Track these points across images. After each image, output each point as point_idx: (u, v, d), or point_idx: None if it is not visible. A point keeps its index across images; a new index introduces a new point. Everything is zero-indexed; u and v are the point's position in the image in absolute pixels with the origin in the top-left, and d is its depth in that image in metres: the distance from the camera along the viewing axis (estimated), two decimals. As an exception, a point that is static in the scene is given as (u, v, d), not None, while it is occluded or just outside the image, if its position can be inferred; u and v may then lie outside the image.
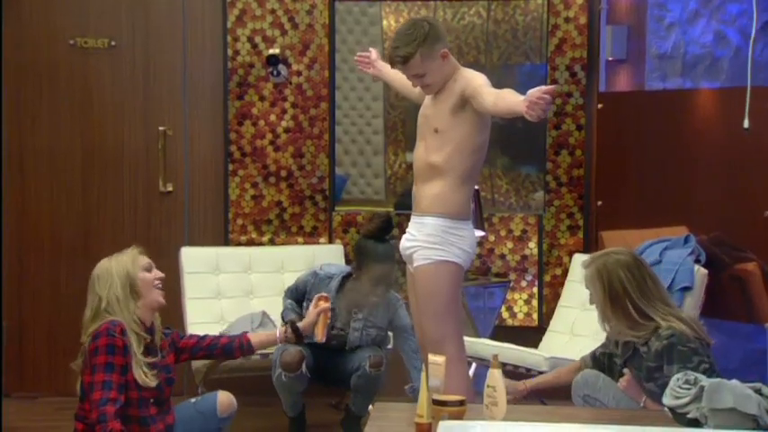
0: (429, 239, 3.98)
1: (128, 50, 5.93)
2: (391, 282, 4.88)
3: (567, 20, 5.84)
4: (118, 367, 3.65)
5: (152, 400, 3.76)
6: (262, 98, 5.94)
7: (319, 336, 4.25)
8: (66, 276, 5.93)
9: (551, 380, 4.20)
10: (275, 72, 5.86)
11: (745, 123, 4.78)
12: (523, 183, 5.98)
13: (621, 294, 3.70)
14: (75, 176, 5.95)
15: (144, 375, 3.70)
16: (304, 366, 4.70)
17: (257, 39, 5.92)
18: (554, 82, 5.82)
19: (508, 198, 5.99)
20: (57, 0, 5.91)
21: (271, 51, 5.88)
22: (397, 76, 4.30)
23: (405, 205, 5.91)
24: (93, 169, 5.94)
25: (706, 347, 3.66)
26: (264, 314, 5.37)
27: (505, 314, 5.92)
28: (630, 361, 3.79)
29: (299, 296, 4.95)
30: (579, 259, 5.54)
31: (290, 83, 5.93)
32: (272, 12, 5.92)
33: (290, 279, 5.22)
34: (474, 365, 5.20)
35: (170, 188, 5.93)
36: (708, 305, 4.93)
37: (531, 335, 5.61)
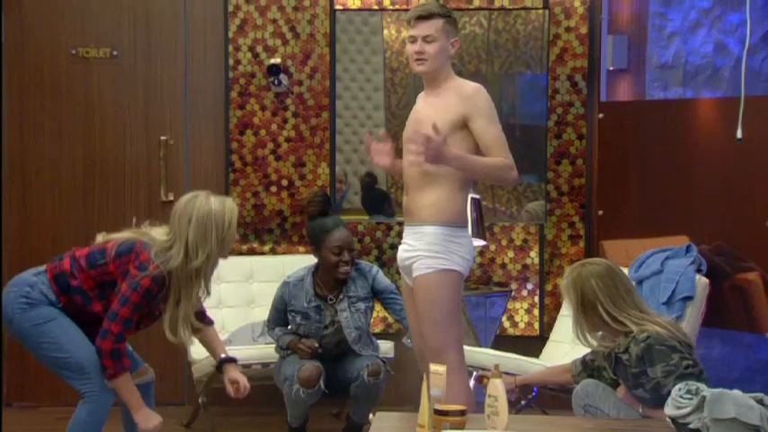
0: (431, 248, 3.96)
1: (129, 60, 5.94)
2: (352, 246, 4.88)
3: (567, 29, 5.85)
4: (143, 309, 3.78)
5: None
6: (263, 107, 5.95)
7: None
8: (67, 286, 5.93)
9: (541, 377, 4.36)
10: (276, 81, 5.86)
11: (738, 134, 4.82)
12: (524, 192, 5.98)
13: (594, 302, 3.78)
14: (76, 185, 5.95)
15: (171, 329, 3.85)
16: (322, 382, 4.71)
17: (258, 48, 5.93)
18: (555, 91, 5.83)
19: (509, 207, 5.99)
20: (59, 10, 5.92)
21: (272, 61, 5.89)
22: None
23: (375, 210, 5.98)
24: (94, 178, 5.94)
25: (686, 347, 3.69)
26: (265, 323, 5.36)
27: (507, 323, 5.91)
28: (617, 371, 3.81)
29: (280, 317, 4.95)
30: (580, 269, 5.55)
31: (292, 92, 5.94)
32: (274, 21, 5.93)
33: (291, 288, 5.21)
34: (475, 375, 5.19)
35: (171, 197, 5.92)
36: (710, 315, 4.92)
37: (532, 344, 5.61)
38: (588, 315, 3.80)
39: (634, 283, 4.18)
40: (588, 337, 3.86)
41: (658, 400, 3.53)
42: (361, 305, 4.87)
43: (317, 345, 4.79)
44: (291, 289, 4.90)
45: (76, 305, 3.86)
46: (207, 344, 4.23)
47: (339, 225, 4.87)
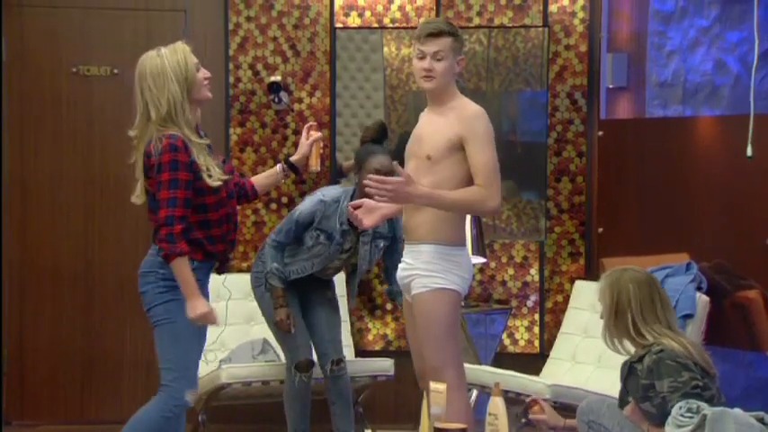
0: (427, 267, 3.94)
1: (130, 78, 5.88)
2: (392, 174, 4.80)
3: (567, 47, 5.86)
4: (182, 183, 3.68)
5: (227, 197, 3.83)
6: (263, 125, 5.96)
7: (314, 164, 4.26)
8: (67, 304, 5.92)
9: None
10: (277, 99, 5.88)
11: (749, 151, 4.81)
12: (524, 209, 5.99)
13: (625, 309, 3.76)
14: (77, 204, 5.95)
15: (217, 174, 3.76)
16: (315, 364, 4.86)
17: (259, 66, 5.94)
18: (555, 109, 5.84)
19: (509, 224, 5.99)
20: (60, 28, 5.94)
21: (272, 78, 5.90)
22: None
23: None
24: (94, 197, 5.94)
25: (700, 370, 3.66)
26: (265, 341, 5.36)
27: (507, 341, 5.91)
28: (628, 381, 3.80)
29: (297, 233, 4.90)
30: (581, 286, 5.55)
31: (292, 110, 5.95)
32: (274, 39, 5.94)
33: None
34: (475, 393, 5.19)
35: (171, 215, 5.93)
36: (710, 333, 4.92)
37: (532, 362, 5.60)
38: (618, 320, 3.77)
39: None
40: (615, 342, 3.84)
41: (664, 417, 3.52)
42: (381, 243, 4.92)
43: (293, 329, 4.81)
44: (326, 207, 4.87)
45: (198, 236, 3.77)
46: (264, 181, 4.22)
47: (384, 152, 4.82)
